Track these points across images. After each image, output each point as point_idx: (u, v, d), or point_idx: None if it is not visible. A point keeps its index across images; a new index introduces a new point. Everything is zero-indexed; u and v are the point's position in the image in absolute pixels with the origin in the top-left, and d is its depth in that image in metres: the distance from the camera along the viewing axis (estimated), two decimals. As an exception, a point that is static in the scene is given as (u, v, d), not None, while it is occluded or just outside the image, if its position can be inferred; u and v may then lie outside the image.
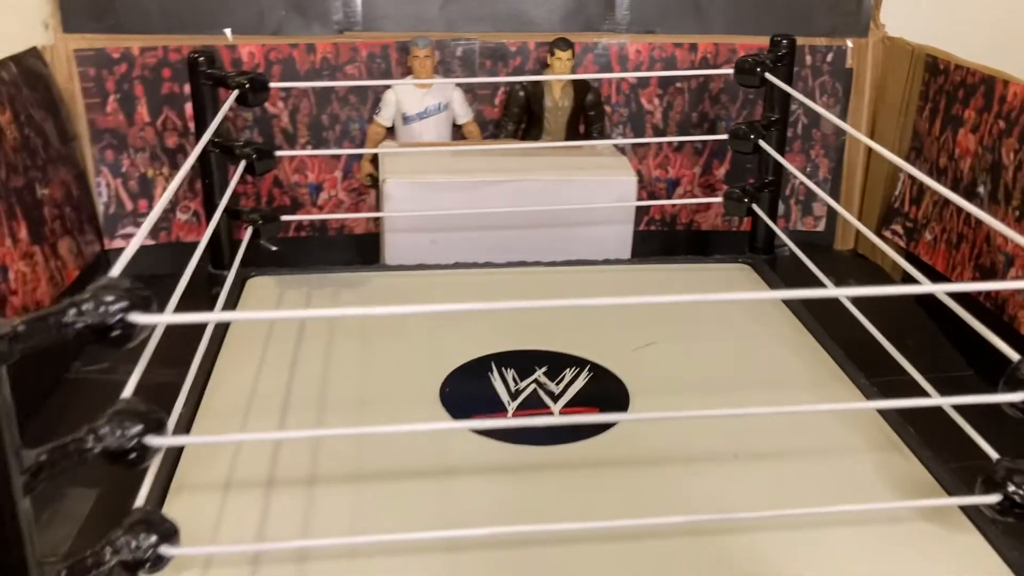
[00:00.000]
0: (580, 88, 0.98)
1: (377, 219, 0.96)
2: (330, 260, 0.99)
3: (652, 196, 1.06)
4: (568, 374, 0.69)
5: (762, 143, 0.85)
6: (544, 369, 0.70)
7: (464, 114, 1.00)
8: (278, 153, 0.83)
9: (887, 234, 1.02)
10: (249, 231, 0.83)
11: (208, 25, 0.97)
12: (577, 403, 0.66)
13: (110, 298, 0.36)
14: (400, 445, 0.60)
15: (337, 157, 1.01)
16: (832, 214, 1.09)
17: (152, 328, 0.38)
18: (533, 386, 0.68)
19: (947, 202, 0.91)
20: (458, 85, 0.99)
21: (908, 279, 0.89)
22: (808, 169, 1.07)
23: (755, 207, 0.89)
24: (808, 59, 1.04)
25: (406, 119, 0.97)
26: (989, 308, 0.82)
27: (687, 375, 0.70)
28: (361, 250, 1.03)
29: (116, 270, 0.41)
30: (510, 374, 0.69)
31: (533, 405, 0.66)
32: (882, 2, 1.03)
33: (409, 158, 0.92)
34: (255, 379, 0.69)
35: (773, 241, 0.91)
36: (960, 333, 0.72)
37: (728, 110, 1.05)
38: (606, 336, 0.74)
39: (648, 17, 1.03)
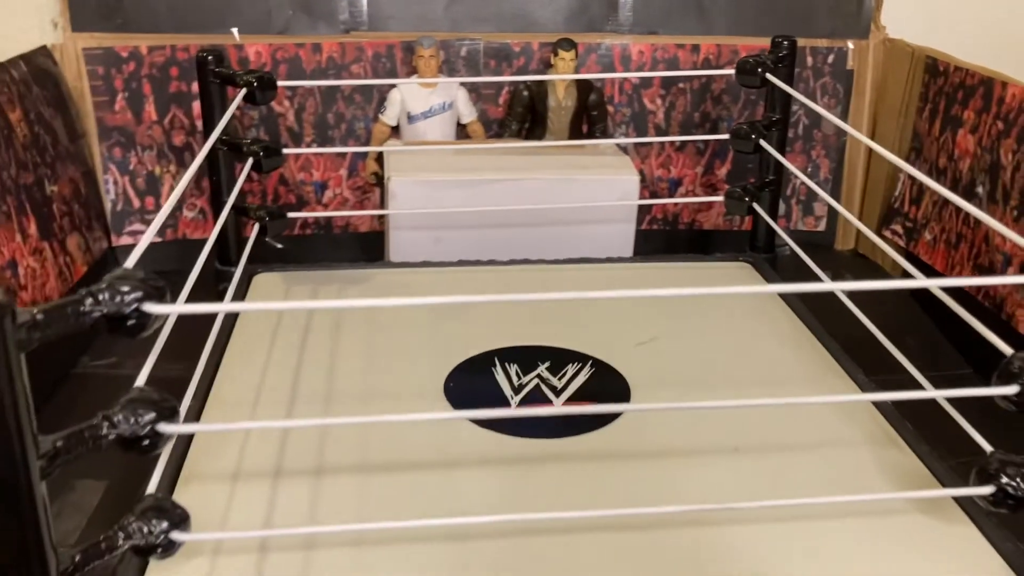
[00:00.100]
0: (583, 88, 0.99)
1: (382, 217, 0.97)
2: (335, 258, 1.00)
3: (654, 195, 1.07)
4: (570, 369, 0.70)
5: (763, 143, 0.86)
6: (547, 364, 0.71)
7: (468, 113, 1.01)
8: (284, 151, 0.84)
9: (887, 234, 1.03)
10: (256, 228, 0.84)
11: (216, 24, 0.98)
12: (579, 398, 0.67)
13: (126, 288, 0.37)
14: (404, 438, 0.61)
15: (342, 155, 1.03)
16: (833, 214, 1.10)
17: (165, 319, 0.39)
18: (536, 381, 0.69)
19: (946, 202, 0.92)
20: (462, 85, 1.00)
21: (907, 278, 0.90)
22: (809, 169, 1.08)
23: (756, 206, 0.90)
24: (809, 60, 1.05)
25: (411, 118, 0.98)
26: (987, 307, 0.82)
27: (688, 371, 0.71)
28: (366, 248, 1.04)
29: (130, 263, 0.42)
30: (513, 369, 0.70)
31: (536, 399, 0.67)
32: (883, 4, 1.04)
33: (414, 156, 0.93)
34: (262, 373, 0.70)
35: (774, 240, 0.92)
36: (959, 333, 0.73)
37: (730, 110, 1.06)
38: (608, 332, 0.75)
39: (651, 18, 1.04)
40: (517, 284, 0.84)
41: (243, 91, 0.79)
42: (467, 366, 0.70)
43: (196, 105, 0.97)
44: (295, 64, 0.99)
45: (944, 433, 0.60)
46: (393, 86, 0.98)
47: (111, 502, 0.66)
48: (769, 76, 0.85)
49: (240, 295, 0.81)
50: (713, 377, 0.71)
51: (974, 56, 0.93)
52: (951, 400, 0.59)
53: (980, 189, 0.87)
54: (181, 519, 0.43)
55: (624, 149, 1.02)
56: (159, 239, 1.01)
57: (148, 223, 1.01)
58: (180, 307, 0.39)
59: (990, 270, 0.84)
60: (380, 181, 0.99)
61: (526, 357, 0.71)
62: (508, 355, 0.72)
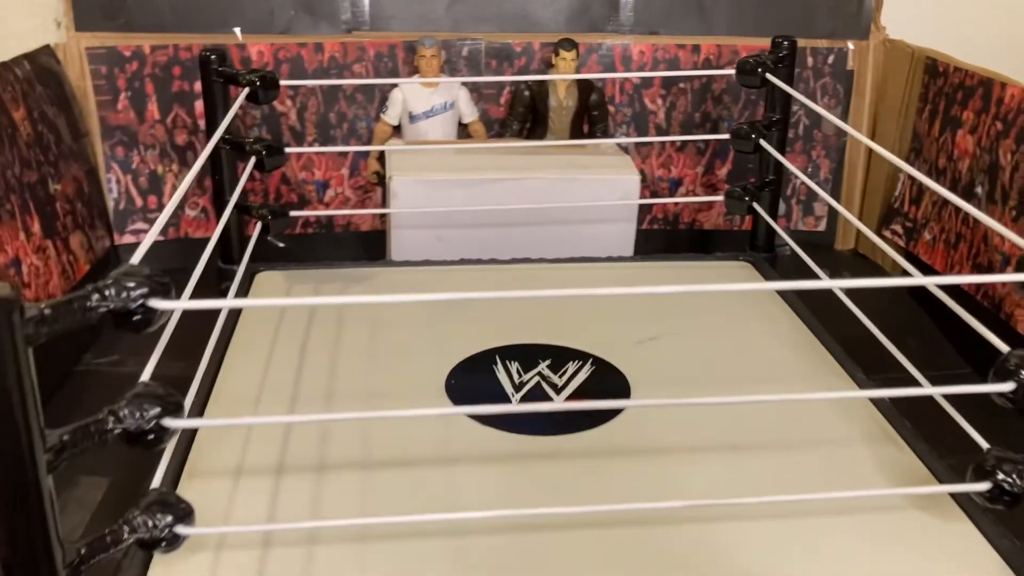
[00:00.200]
0: (584, 88, 0.99)
1: (383, 216, 0.98)
2: (336, 257, 1.01)
3: (655, 195, 1.08)
4: (571, 367, 0.71)
5: (763, 143, 0.87)
6: (547, 362, 0.71)
7: (470, 113, 1.01)
8: (287, 150, 0.84)
9: (887, 234, 1.03)
10: (258, 227, 0.85)
11: (218, 24, 0.99)
12: (579, 395, 0.67)
13: (131, 284, 0.37)
14: (406, 435, 0.61)
15: (344, 155, 1.03)
16: (833, 214, 1.10)
17: (169, 315, 0.40)
18: (537, 378, 0.69)
19: (946, 202, 0.93)
20: (464, 84, 1.00)
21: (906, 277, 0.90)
22: (809, 169, 1.08)
23: (756, 206, 0.90)
24: (810, 61, 1.05)
25: (412, 118, 0.99)
26: (986, 307, 0.83)
27: (688, 369, 0.72)
28: (367, 247, 1.05)
29: (135, 259, 0.42)
30: (514, 367, 0.70)
31: (537, 397, 0.67)
32: (883, 5, 1.05)
33: (415, 156, 0.93)
34: (264, 371, 0.70)
35: (774, 240, 0.92)
36: (959, 333, 0.74)
37: (730, 110, 1.06)
38: (608, 331, 0.75)
39: (652, 18, 1.04)
40: (518, 283, 0.85)
41: (246, 90, 0.79)
42: (468, 364, 0.71)
43: (198, 104, 0.98)
44: (297, 64, 1.00)
45: (943, 432, 0.60)
46: (395, 86, 0.99)
47: (114, 498, 0.67)
48: (769, 76, 0.86)
49: (242, 293, 0.81)
50: (713, 375, 0.71)
51: (973, 57, 0.93)
52: (949, 399, 0.59)
53: (979, 189, 0.87)
54: (185, 513, 0.44)
55: (625, 149, 1.02)
56: (161, 238, 1.02)
57: (150, 222, 1.01)
58: (184, 303, 0.39)
59: (989, 270, 0.85)
60: (382, 180, 1.00)
61: (527, 355, 0.72)
62: (509, 353, 0.72)
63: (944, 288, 0.61)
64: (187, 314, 0.55)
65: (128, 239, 1.01)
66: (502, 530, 0.53)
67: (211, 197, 0.99)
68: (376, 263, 0.91)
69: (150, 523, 0.43)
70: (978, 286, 0.84)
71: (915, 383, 0.63)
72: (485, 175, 0.90)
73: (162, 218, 0.51)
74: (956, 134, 0.92)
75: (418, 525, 0.52)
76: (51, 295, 0.82)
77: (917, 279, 0.52)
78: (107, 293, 0.37)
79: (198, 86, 0.96)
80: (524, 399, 0.67)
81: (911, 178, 0.99)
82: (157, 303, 0.38)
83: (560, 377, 0.69)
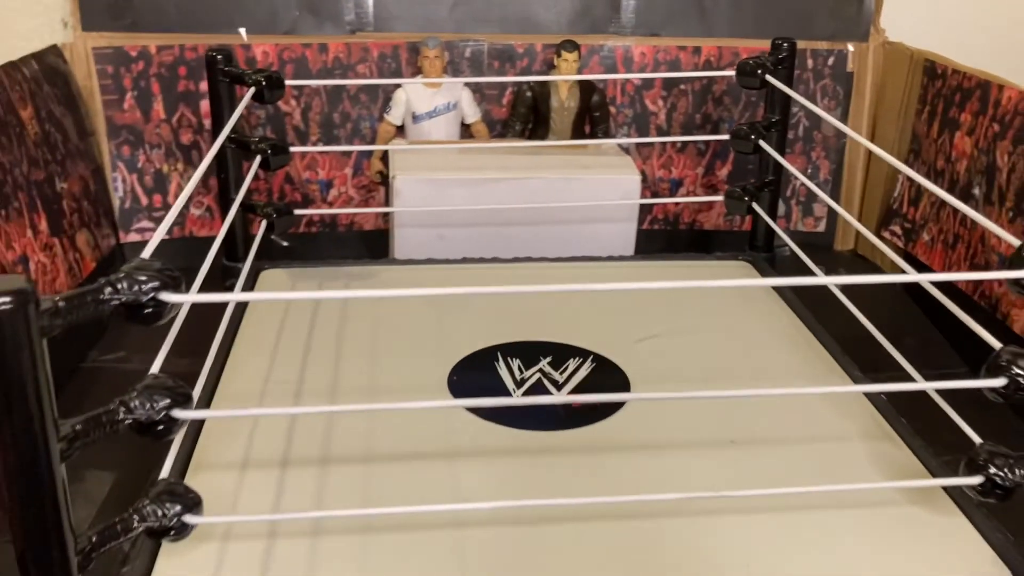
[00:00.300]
0: (586, 89, 1.00)
1: (386, 215, 0.99)
2: (339, 255, 1.02)
3: (656, 196, 1.08)
4: (572, 364, 0.71)
5: (762, 143, 0.88)
6: (548, 359, 0.72)
7: (472, 113, 1.02)
8: (291, 149, 0.85)
9: (886, 235, 1.04)
10: (263, 225, 0.85)
11: (223, 24, 1.00)
12: (580, 392, 0.68)
13: (143, 277, 0.38)
14: (409, 429, 0.62)
15: (347, 154, 1.04)
16: (832, 215, 1.11)
17: (178, 308, 0.41)
18: (538, 375, 0.70)
19: (944, 203, 0.94)
20: (467, 85, 1.01)
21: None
22: (809, 170, 1.09)
23: (755, 206, 0.91)
24: (810, 63, 1.06)
25: (416, 118, 0.99)
26: (983, 306, 0.84)
27: (687, 367, 0.73)
28: (370, 246, 1.06)
29: (145, 254, 0.43)
30: (515, 364, 0.71)
31: (538, 393, 0.68)
32: (882, 7, 1.05)
33: (419, 155, 0.94)
34: (269, 367, 0.71)
35: (773, 240, 0.93)
36: (957, 333, 0.74)
37: (731, 112, 1.07)
38: (609, 328, 0.76)
39: (653, 20, 1.05)
40: (519, 281, 0.85)
41: (252, 90, 0.80)
42: (470, 360, 0.72)
43: (204, 104, 0.99)
44: (301, 64, 1.01)
45: (940, 431, 0.61)
46: (398, 86, 1.00)
47: (121, 492, 0.67)
48: (769, 78, 0.87)
49: (247, 291, 0.82)
50: (712, 373, 0.72)
51: (971, 59, 0.94)
52: (945, 396, 0.60)
53: (977, 190, 0.88)
54: (194, 503, 0.45)
55: (626, 149, 1.03)
56: (166, 236, 1.02)
57: (155, 220, 1.02)
58: (194, 296, 0.40)
59: (986, 270, 0.86)
60: (385, 180, 1.01)
61: (528, 352, 0.73)
62: (510, 350, 0.73)
63: (941, 288, 0.62)
64: (192, 311, 0.56)
65: (133, 237, 1.02)
66: (503, 523, 0.54)
67: (216, 196, 1.00)
68: (379, 261, 0.91)
69: (159, 512, 0.44)
70: (975, 287, 0.85)
71: (911, 379, 0.64)
72: (487, 175, 0.91)
73: (171, 214, 0.52)
74: (954, 136, 0.93)
75: (420, 518, 0.53)
76: (58, 292, 0.83)
77: (910, 276, 0.53)
78: (119, 286, 0.38)
79: (203, 86, 0.97)
80: (526, 395, 0.67)
81: (910, 179, 1.00)
82: (167, 296, 0.39)
83: (561, 374, 0.70)
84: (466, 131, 1.03)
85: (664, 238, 1.10)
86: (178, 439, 0.52)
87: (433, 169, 0.91)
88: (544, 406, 0.65)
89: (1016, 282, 0.47)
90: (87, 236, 0.92)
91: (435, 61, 0.97)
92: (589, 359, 0.72)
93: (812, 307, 0.81)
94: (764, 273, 0.89)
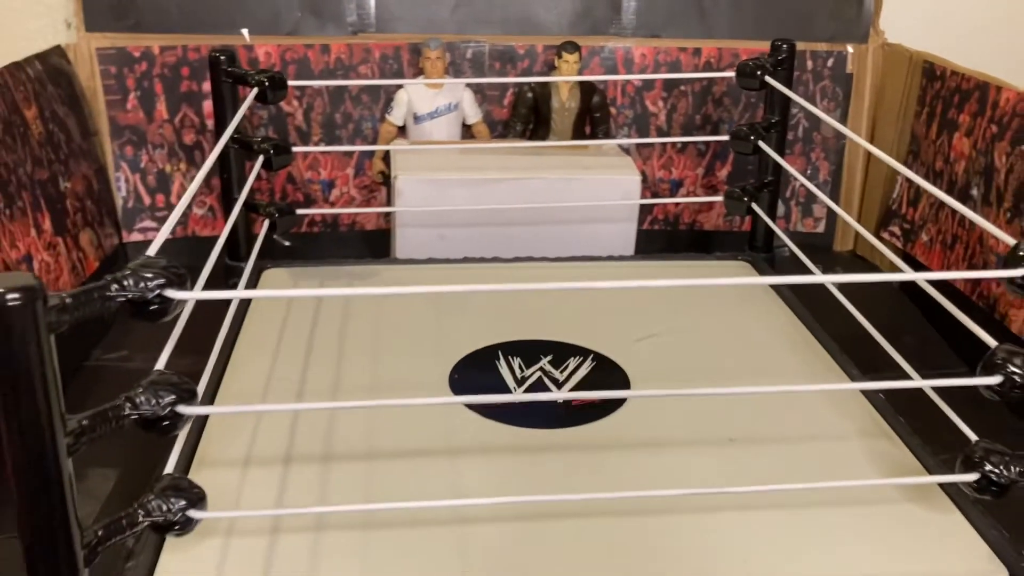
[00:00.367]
0: (587, 90, 1.00)
1: (388, 215, 0.99)
2: (341, 255, 1.02)
3: (656, 196, 1.09)
4: (572, 363, 0.72)
5: (762, 144, 0.88)
6: (549, 358, 0.72)
7: (474, 114, 1.02)
8: (294, 149, 0.86)
9: (885, 235, 1.04)
10: (266, 224, 0.86)
11: (226, 25, 1.00)
12: (580, 390, 0.69)
13: (149, 274, 0.39)
14: (410, 427, 0.63)
15: (349, 154, 1.04)
16: (832, 215, 1.11)
17: (183, 305, 0.41)
18: (539, 373, 0.70)
19: (943, 204, 0.94)
20: (468, 86, 1.02)
21: (904, 281, 0.91)
22: (809, 171, 1.10)
23: (755, 206, 0.92)
24: (810, 64, 1.06)
25: (417, 118, 1.00)
26: (981, 307, 0.84)
27: (686, 365, 0.73)
28: (371, 245, 1.06)
29: (151, 252, 0.44)
30: (516, 362, 0.72)
31: (538, 391, 0.68)
32: (881, 9, 1.06)
33: (420, 156, 0.95)
34: (271, 365, 0.72)
35: (772, 240, 0.94)
36: (955, 333, 0.75)
37: (731, 113, 1.07)
38: (609, 328, 0.77)
39: (653, 22, 1.06)
40: (520, 281, 0.86)
41: (255, 90, 0.81)
42: (471, 359, 0.72)
43: (206, 104, 0.99)
44: (304, 65, 1.01)
45: (938, 430, 0.61)
46: (400, 87, 1.00)
47: (124, 489, 0.68)
48: (768, 79, 0.87)
49: (250, 289, 0.82)
50: (711, 372, 0.72)
51: (970, 61, 0.94)
52: (943, 396, 0.61)
53: (975, 191, 0.89)
54: (198, 498, 0.45)
55: (626, 150, 1.04)
56: (169, 236, 1.03)
57: (158, 220, 1.03)
58: (199, 293, 0.41)
59: (984, 270, 0.86)
60: (386, 180, 1.01)
61: (529, 351, 0.73)
62: (511, 349, 0.74)
63: (938, 288, 0.62)
64: (195, 311, 0.57)
65: (136, 237, 1.02)
66: (503, 519, 0.54)
67: (218, 196, 1.00)
68: (381, 261, 0.92)
69: (164, 507, 0.44)
70: (973, 287, 0.85)
71: (908, 378, 0.65)
72: (488, 175, 0.92)
73: (176, 213, 0.52)
74: (953, 137, 0.93)
75: (421, 514, 0.54)
76: (62, 291, 0.84)
77: (906, 275, 0.54)
78: (125, 283, 0.39)
79: (206, 86, 0.98)
80: (526, 393, 0.68)
81: (909, 180, 1.01)
82: (173, 293, 0.39)
83: (561, 372, 0.71)
84: (467, 132, 1.04)
85: (664, 238, 1.11)
86: (182, 436, 0.52)
87: (434, 169, 0.92)
88: (545, 405, 0.65)
89: (1012, 281, 0.47)
90: (90, 235, 0.92)
91: (436, 62, 0.97)
92: (589, 358, 0.73)
93: (811, 307, 0.81)
94: (763, 273, 0.89)
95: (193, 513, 0.44)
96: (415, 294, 0.76)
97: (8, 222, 0.76)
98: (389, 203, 0.94)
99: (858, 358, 0.74)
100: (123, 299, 0.39)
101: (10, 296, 0.35)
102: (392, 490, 0.58)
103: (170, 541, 0.51)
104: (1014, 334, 0.80)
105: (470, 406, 0.65)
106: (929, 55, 1.00)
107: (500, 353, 0.73)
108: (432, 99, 1.00)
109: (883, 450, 0.63)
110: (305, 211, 1.01)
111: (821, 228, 1.12)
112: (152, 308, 0.39)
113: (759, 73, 0.87)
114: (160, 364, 0.47)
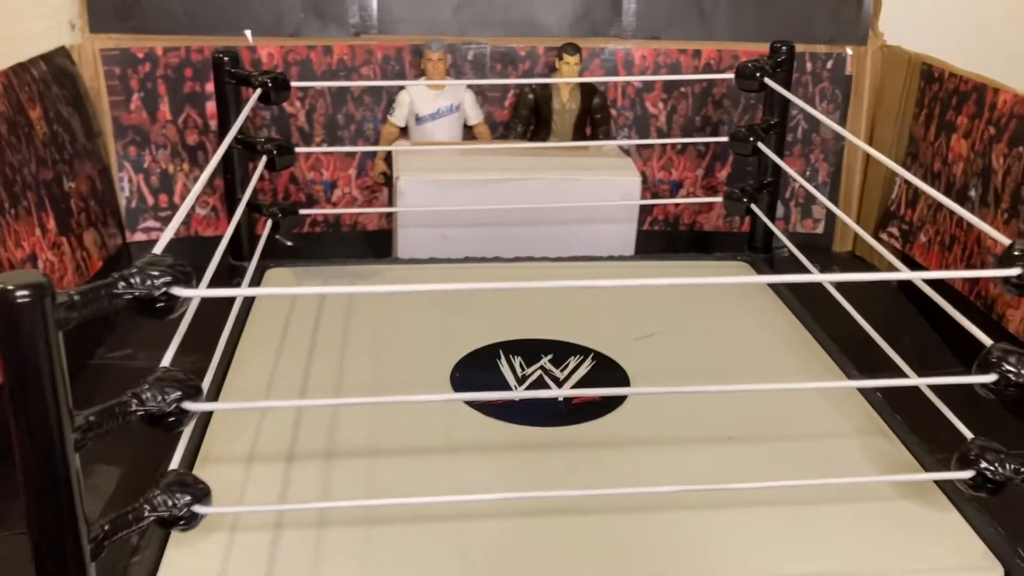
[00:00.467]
0: (587, 92, 1.01)
1: (390, 215, 1.00)
2: (343, 255, 1.03)
3: (656, 197, 1.09)
4: (572, 361, 0.73)
5: (761, 145, 0.89)
6: (550, 357, 0.73)
7: (475, 115, 1.03)
8: (296, 150, 0.86)
9: (884, 236, 1.05)
10: (269, 224, 0.87)
11: (229, 26, 1.01)
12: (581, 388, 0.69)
13: (155, 272, 0.40)
14: (412, 425, 0.64)
15: (351, 155, 1.05)
16: (831, 216, 1.12)
17: (188, 303, 0.42)
18: (539, 372, 0.71)
19: (941, 205, 0.95)
20: (469, 87, 1.02)
21: (903, 281, 0.92)
22: (808, 172, 1.10)
23: (754, 207, 0.92)
24: (809, 66, 1.07)
25: (419, 119, 1.01)
26: (979, 307, 0.85)
27: (685, 364, 0.74)
28: (373, 246, 1.07)
29: (157, 250, 0.44)
30: (517, 361, 0.72)
31: (539, 389, 0.69)
32: (880, 11, 1.06)
33: (422, 156, 0.96)
34: (274, 364, 0.72)
35: (771, 241, 0.94)
36: (953, 333, 0.75)
37: (730, 114, 1.08)
38: (609, 327, 0.77)
39: (654, 24, 1.06)
40: (520, 280, 0.86)
41: (258, 91, 0.81)
42: (473, 358, 0.73)
43: (209, 105, 1.00)
44: (306, 66, 1.02)
45: (936, 430, 0.61)
46: (402, 88, 1.01)
47: (128, 487, 0.68)
48: (767, 80, 0.88)
49: (254, 287, 0.83)
50: (709, 370, 0.73)
51: (968, 63, 0.95)
52: (940, 396, 0.61)
53: (973, 192, 0.89)
54: (203, 493, 0.46)
55: (626, 151, 1.04)
56: (172, 235, 1.04)
57: (161, 220, 1.03)
58: (205, 291, 0.42)
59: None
60: (388, 180, 1.02)
61: (530, 349, 0.74)
62: (512, 347, 0.74)
63: (936, 288, 0.63)
64: (199, 310, 0.57)
65: (139, 236, 1.03)
66: (504, 515, 0.55)
67: (221, 196, 1.01)
68: (383, 261, 0.93)
69: (169, 502, 0.45)
70: (971, 288, 0.86)
71: (906, 378, 0.65)
72: (489, 175, 0.92)
73: (181, 212, 0.53)
74: (951, 138, 0.94)
75: (422, 510, 0.54)
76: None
77: (901, 274, 0.54)
78: (132, 281, 0.39)
79: (209, 87, 0.98)
80: (527, 390, 0.69)
81: (907, 182, 1.01)
82: (179, 291, 0.40)
83: (562, 371, 0.71)
84: (469, 133, 1.04)
85: (664, 239, 1.11)
86: (186, 433, 0.53)
87: (436, 170, 0.92)
88: (546, 404, 0.66)
89: (1007, 280, 0.48)
90: (94, 235, 0.93)
91: (438, 63, 0.98)
92: (590, 357, 0.73)
93: (810, 308, 0.82)
94: (762, 273, 0.90)
95: (198, 508, 0.45)
96: (417, 294, 0.77)
97: (13, 222, 0.77)
98: (391, 203, 0.95)
99: (857, 359, 0.74)
100: (130, 296, 0.39)
101: (19, 293, 0.36)
102: (394, 487, 0.58)
103: (175, 537, 0.52)
104: (1011, 334, 0.80)
105: (471, 404, 0.66)
106: (928, 57, 1.01)
107: (501, 352, 0.74)
108: (434, 100, 1.00)
109: (880, 448, 0.63)
110: (307, 211, 1.01)
111: (820, 229, 1.13)
112: (159, 305, 0.40)
113: (758, 75, 0.88)
114: (165, 361, 0.48)
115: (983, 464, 0.50)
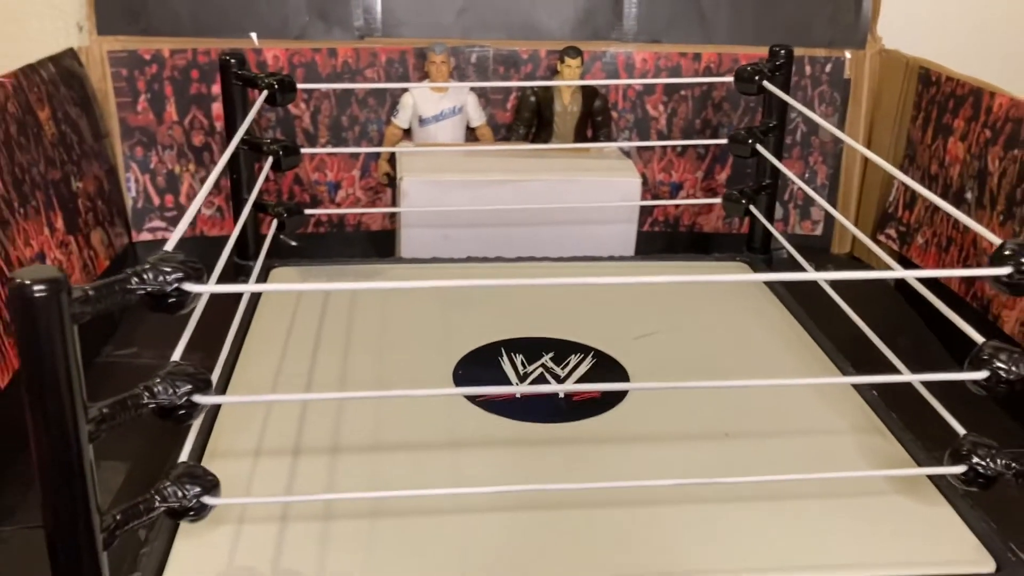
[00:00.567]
0: (588, 94, 1.02)
1: (393, 215, 1.01)
2: (347, 255, 1.04)
3: (656, 199, 1.10)
4: (573, 359, 0.74)
5: (759, 147, 0.90)
6: (551, 355, 0.74)
7: (477, 117, 1.04)
8: (301, 151, 0.87)
9: (881, 238, 1.06)
10: (274, 224, 0.88)
11: (235, 29, 1.02)
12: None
13: (168, 268, 0.41)
14: (415, 421, 0.65)
15: (355, 156, 1.06)
16: (829, 218, 1.13)
17: (199, 298, 0.43)
18: (540, 370, 0.72)
19: (938, 207, 0.95)
20: (472, 90, 1.03)
21: (900, 282, 0.93)
22: (807, 175, 1.11)
23: (753, 209, 0.93)
24: (808, 70, 1.08)
25: (422, 121, 1.02)
26: (975, 308, 0.86)
27: (684, 362, 0.75)
28: (376, 245, 1.08)
29: (168, 247, 0.45)
30: (519, 359, 0.73)
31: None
32: (879, 16, 1.07)
33: (425, 158, 0.97)
34: (279, 361, 0.73)
35: (770, 242, 0.95)
36: (950, 334, 0.76)
37: (730, 117, 1.09)
38: (609, 326, 0.78)
39: (654, 27, 1.07)
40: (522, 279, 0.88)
41: (264, 93, 0.82)
42: (475, 355, 0.74)
43: (215, 106, 1.01)
44: (311, 68, 1.03)
45: (931, 429, 0.62)
46: (405, 90, 1.02)
47: (136, 480, 0.69)
48: (766, 84, 0.89)
49: (261, 284, 0.84)
50: (708, 368, 0.74)
51: (965, 67, 0.96)
52: (935, 394, 0.62)
53: (969, 195, 0.90)
54: (212, 485, 0.47)
55: (627, 153, 1.05)
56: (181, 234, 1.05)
57: (167, 220, 1.04)
58: (215, 287, 0.43)
59: (976, 272, 0.87)
60: (392, 181, 1.03)
61: (531, 348, 0.75)
62: (514, 346, 0.75)
63: (931, 288, 0.64)
64: (205, 308, 0.58)
65: (145, 236, 1.04)
66: (505, 508, 0.56)
67: (226, 196, 1.02)
68: (386, 260, 0.94)
69: (179, 493, 0.46)
70: (967, 288, 0.87)
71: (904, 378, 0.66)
72: (491, 177, 0.93)
73: (191, 210, 0.54)
74: (948, 141, 0.95)
75: (425, 503, 0.56)
76: (74, 288, 0.85)
77: (895, 272, 0.55)
78: (145, 276, 0.41)
79: (215, 89, 0.99)
80: (528, 386, 0.70)
81: (904, 184, 1.02)
82: (190, 286, 0.41)
83: (563, 369, 0.72)
84: (471, 134, 1.05)
85: (664, 240, 1.12)
86: (195, 427, 0.54)
87: (439, 171, 0.93)
88: (546, 401, 0.67)
89: (998, 279, 0.49)
90: (101, 234, 0.94)
91: (441, 66, 0.99)
92: (590, 355, 0.74)
93: (808, 309, 0.83)
94: (760, 272, 0.91)
95: (207, 499, 0.46)
96: (420, 293, 0.79)
97: (22, 220, 0.78)
98: (394, 204, 0.96)
99: (853, 358, 0.75)
100: (143, 292, 0.40)
101: (36, 287, 0.37)
102: (397, 481, 0.59)
103: (183, 528, 0.53)
104: (1006, 335, 0.81)
105: (473, 400, 0.67)
106: (925, 61, 1.02)
107: (503, 350, 0.75)
108: (437, 102, 1.01)
109: (876, 445, 0.64)
110: (312, 212, 1.02)
111: (819, 231, 1.14)
112: (171, 301, 0.41)
113: (757, 78, 0.89)
114: (176, 356, 0.49)
115: (975, 459, 0.51)
